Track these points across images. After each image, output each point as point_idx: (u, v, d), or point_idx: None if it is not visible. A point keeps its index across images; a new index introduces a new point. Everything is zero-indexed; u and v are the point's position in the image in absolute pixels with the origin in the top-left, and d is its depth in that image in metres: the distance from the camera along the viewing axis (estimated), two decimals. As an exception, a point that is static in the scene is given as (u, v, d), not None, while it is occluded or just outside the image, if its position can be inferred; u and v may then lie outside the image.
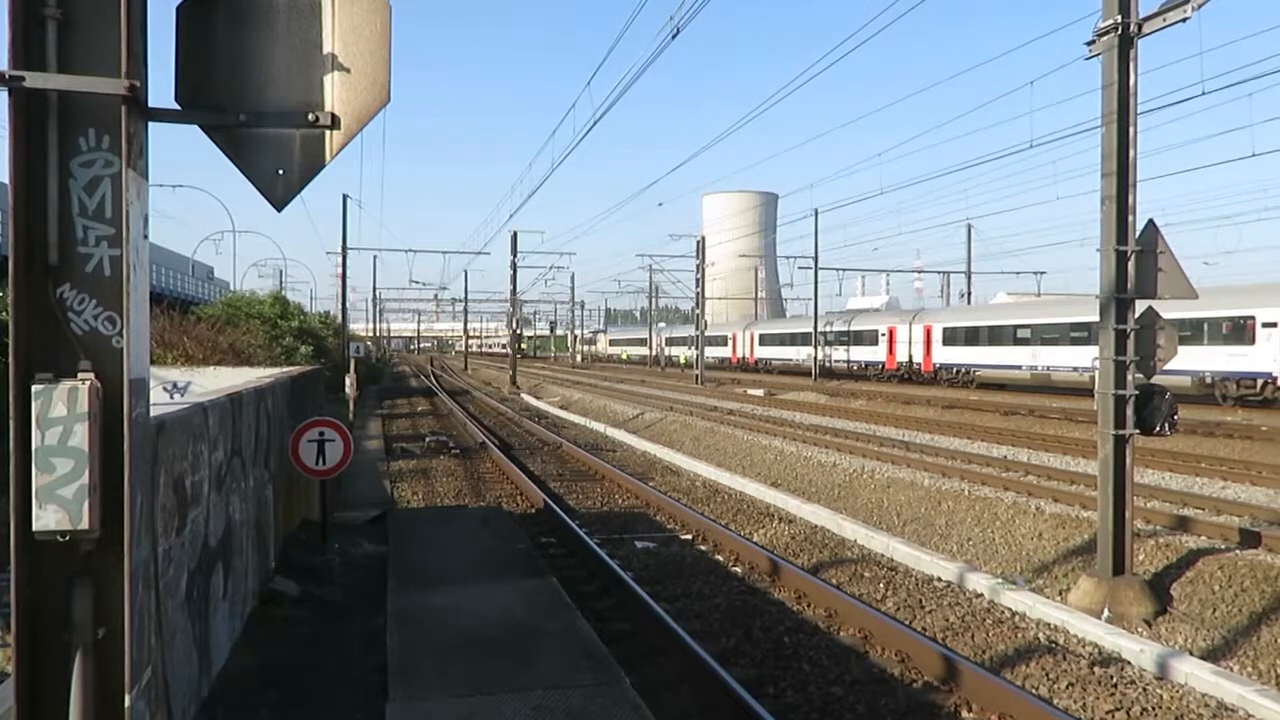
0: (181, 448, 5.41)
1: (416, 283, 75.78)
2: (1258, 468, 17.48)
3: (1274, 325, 28.84)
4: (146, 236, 3.44)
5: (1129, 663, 8.35)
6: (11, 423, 3.09)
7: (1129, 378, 10.21)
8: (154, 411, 4.27)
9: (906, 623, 9.53)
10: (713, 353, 73.22)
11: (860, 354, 54.78)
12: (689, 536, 13.52)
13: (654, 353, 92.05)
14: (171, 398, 7.92)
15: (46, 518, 3.08)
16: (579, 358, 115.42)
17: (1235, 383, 30.16)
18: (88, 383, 3.12)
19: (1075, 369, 36.22)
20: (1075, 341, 36.60)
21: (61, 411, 3.08)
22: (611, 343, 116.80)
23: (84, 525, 3.10)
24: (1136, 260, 10.17)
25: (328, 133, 3.59)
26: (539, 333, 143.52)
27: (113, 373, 3.20)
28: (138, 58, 3.27)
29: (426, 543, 10.12)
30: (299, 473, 10.25)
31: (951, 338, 45.65)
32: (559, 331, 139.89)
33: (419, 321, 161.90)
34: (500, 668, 6.30)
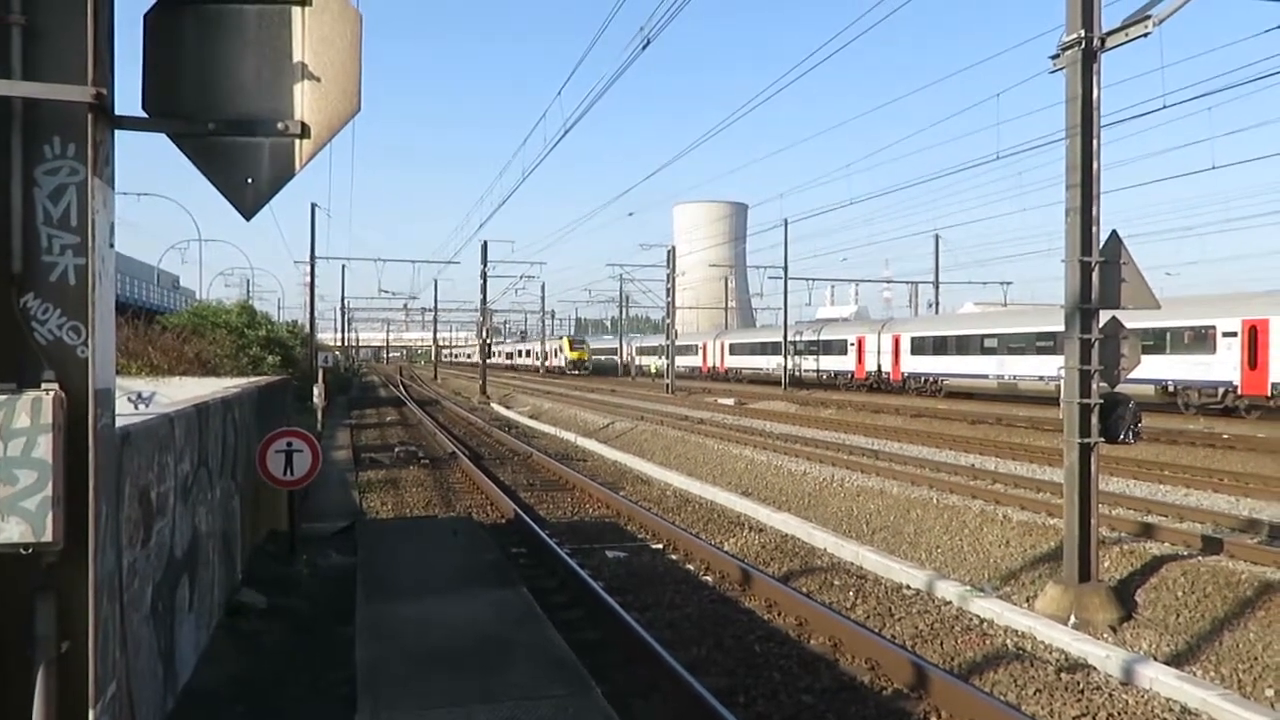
0: (147, 459, 5.35)
1: (385, 292, 75.41)
2: (1219, 475, 17.75)
3: (1234, 335, 29.34)
4: (112, 245, 3.41)
5: (1095, 668, 8.44)
6: (-27, 434, 3.04)
7: (1094, 387, 10.34)
8: (119, 422, 4.22)
9: (876, 631, 9.58)
10: (683, 362, 73.36)
11: (830, 363, 55.10)
12: (660, 546, 13.52)
13: (624, 361, 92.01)
14: (136, 408, 7.82)
15: (9, 530, 3.04)
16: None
17: (1197, 391, 30.63)
18: (52, 393, 3.08)
19: (1041, 378, 36.63)
20: (1041, 351, 37.04)
21: (25, 422, 3.04)
22: None
23: (47, 537, 3.06)
24: (1101, 271, 10.31)
25: (297, 141, 3.57)
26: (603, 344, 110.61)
27: (77, 383, 3.17)
28: (104, 65, 3.24)
29: (396, 554, 10.05)
30: (267, 483, 10.16)
31: (920, 347, 46.04)
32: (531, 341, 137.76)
33: (388, 331, 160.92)
34: (470, 679, 6.26)
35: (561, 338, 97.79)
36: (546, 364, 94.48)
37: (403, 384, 75.78)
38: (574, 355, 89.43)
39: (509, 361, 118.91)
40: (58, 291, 3.16)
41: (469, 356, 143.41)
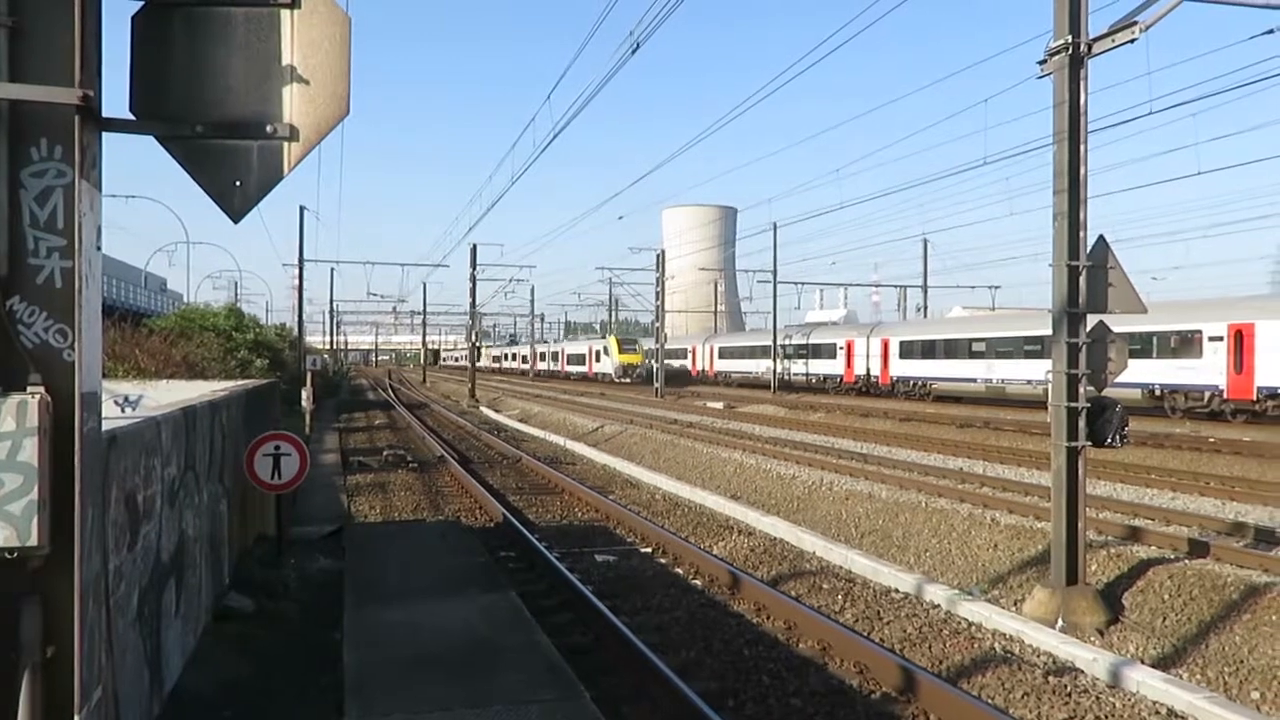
0: (134, 462, 5.32)
1: (374, 295, 74.94)
2: (1206, 479, 17.84)
3: (1220, 339, 29.49)
4: (99, 248, 3.39)
5: (1082, 671, 8.47)
6: (-42, 437, 3.02)
7: (1081, 390, 10.38)
8: (106, 425, 4.20)
9: (865, 634, 9.59)
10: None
11: (819, 367, 55.19)
12: (649, 549, 13.51)
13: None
14: (123, 411, 7.78)
15: (-6, 534, 3.01)
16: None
17: (1184, 395, 30.79)
18: (38, 396, 3.07)
19: (1029, 382, 36.76)
20: (1029, 355, 37.16)
21: (10, 426, 3.02)
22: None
23: (33, 541, 3.04)
24: (1088, 275, 10.35)
25: (286, 144, 3.56)
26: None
27: (63, 386, 3.15)
28: (92, 67, 3.23)
29: (384, 557, 10.02)
30: (254, 487, 10.11)
31: (908, 351, 46.15)
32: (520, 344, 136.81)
33: (377, 334, 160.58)
34: (459, 683, 6.24)
35: (606, 336, 79.32)
36: (591, 371, 79.17)
37: (391, 387, 75.57)
38: (625, 359, 71.20)
39: (524, 366, 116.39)
40: (44, 294, 3.14)
41: (455, 360, 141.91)
